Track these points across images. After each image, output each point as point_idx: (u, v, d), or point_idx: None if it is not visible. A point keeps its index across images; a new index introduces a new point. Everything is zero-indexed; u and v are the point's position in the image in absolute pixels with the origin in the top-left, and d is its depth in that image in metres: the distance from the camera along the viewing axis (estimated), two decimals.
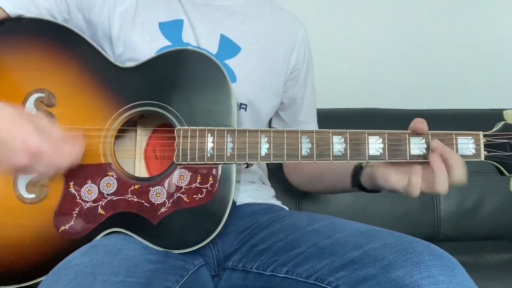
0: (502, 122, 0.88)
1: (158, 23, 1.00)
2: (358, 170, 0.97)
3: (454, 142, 0.87)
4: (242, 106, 1.02)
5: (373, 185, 0.93)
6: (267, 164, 1.21)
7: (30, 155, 0.76)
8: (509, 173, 0.87)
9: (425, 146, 0.86)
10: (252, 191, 1.07)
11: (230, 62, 1.01)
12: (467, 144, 0.87)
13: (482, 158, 0.87)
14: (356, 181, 0.97)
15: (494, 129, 0.88)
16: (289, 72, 1.11)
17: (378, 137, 0.87)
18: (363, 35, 1.78)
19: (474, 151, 0.87)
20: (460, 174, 0.82)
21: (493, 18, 1.80)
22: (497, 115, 0.90)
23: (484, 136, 0.87)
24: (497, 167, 0.88)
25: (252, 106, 1.03)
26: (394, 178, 0.86)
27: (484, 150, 0.87)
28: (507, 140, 0.87)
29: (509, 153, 0.87)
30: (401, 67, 1.80)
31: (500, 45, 1.80)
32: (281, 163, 1.24)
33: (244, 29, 1.05)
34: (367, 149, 0.87)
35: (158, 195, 0.86)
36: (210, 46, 1.01)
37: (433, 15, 1.78)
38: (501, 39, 1.80)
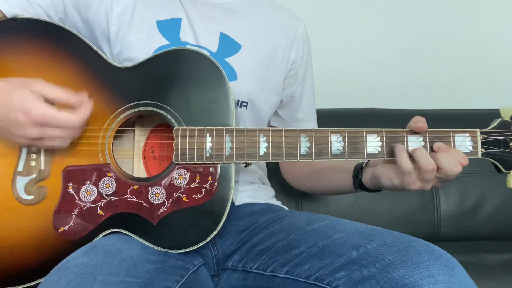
0: (499, 119, 0.89)
1: (156, 21, 1.00)
2: (358, 171, 0.97)
3: (452, 140, 0.87)
4: (243, 103, 1.02)
5: (375, 185, 0.94)
6: (266, 164, 1.21)
7: (37, 124, 0.77)
8: (506, 170, 0.88)
9: (422, 143, 0.87)
10: (251, 191, 1.07)
11: (231, 60, 1.01)
12: (465, 141, 0.87)
13: (479, 155, 0.88)
14: (358, 183, 0.97)
15: (491, 126, 0.89)
16: (288, 69, 1.11)
17: (376, 135, 0.87)
18: (363, 34, 1.78)
19: (471, 148, 0.87)
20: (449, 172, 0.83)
21: (491, 19, 1.80)
22: (495, 114, 0.90)
23: (481, 133, 0.88)
24: (494, 164, 0.88)
25: (253, 104, 1.03)
26: (394, 174, 0.87)
27: (481, 147, 0.87)
28: (504, 137, 0.87)
29: (506, 150, 0.87)
30: (400, 67, 1.80)
31: (498, 46, 1.81)
32: (279, 164, 1.24)
33: (244, 26, 1.05)
34: (365, 147, 0.87)
35: (157, 195, 0.86)
36: (210, 44, 1.01)
37: (433, 16, 1.78)
38: (499, 40, 1.81)
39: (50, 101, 0.79)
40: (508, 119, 0.88)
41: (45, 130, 0.79)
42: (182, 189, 0.86)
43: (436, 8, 1.78)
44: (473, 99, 1.74)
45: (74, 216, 0.86)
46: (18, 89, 0.78)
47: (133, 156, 0.95)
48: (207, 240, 0.85)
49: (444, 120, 1.49)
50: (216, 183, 0.86)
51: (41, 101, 0.78)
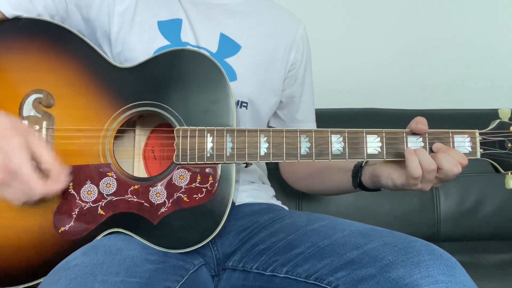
0: (498, 120, 0.90)
1: (157, 22, 1.00)
2: (358, 170, 0.97)
3: (451, 140, 0.88)
4: (243, 104, 1.02)
5: (375, 184, 0.94)
6: (266, 164, 1.21)
7: (7, 172, 0.75)
8: (504, 171, 0.89)
9: (422, 144, 0.87)
10: (251, 191, 1.07)
11: (231, 61, 1.01)
12: (464, 142, 0.88)
13: (478, 156, 0.88)
14: (358, 182, 0.98)
15: (490, 127, 0.89)
16: (288, 70, 1.11)
17: (376, 135, 0.88)
18: (363, 35, 1.78)
19: (470, 149, 0.88)
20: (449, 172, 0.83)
21: (491, 19, 1.80)
22: (494, 115, 0.91)
23: (480, 134, 0.89)
24: (492, 165, 0.89)
25: (253, 104, 1.03)
26: (396, 175, 0.87)
27: (480, 148, 0.88)
28: (502, 138, 0.88)
29: (504, 151, 0.88)
30: (400, 67, 1.80)
31: (498, 46, 1.81)
32: (279, 164, 1.24)
33: (244, 27, 1.05)
34: (365, 148, 0.87)
35: (158, 195, 0.86)
36: (210, 44, 1.01)
37: (432, 16, 1.78)
38: (499, 40, 1.81)
39: (34, 159, 0.77)
40: (506, 120, 0.89)
41: (11, 180, 0.76)
42: (183, 189, 0.86)
43: (436, 8, 1.78)
44: (473, 99, 1.74)
45: (74, 216, 0.86)
46: (17, 136, 0.76)
47: (133, 156, 0.95)
48: (208, 240, 0.85)
49: (444, 120, 1.50)
50: (216, 183, 0.86)
51: (27, 156, 0.76)
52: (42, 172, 0.78)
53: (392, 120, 1.49)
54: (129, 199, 0.86)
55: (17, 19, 0.92)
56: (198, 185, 0.86)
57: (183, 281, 0.81)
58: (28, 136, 0.78)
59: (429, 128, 0.87)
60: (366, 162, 0.97)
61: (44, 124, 0.88)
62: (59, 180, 0.80)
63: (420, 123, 0.86)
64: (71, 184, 0.86)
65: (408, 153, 0.85)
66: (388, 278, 0.74)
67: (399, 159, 0.87)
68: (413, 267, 0.73)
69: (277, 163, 1.24)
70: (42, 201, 0.81)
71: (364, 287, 0.76)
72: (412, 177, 0.84)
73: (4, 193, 0.78)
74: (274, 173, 1.26)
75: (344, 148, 0.87)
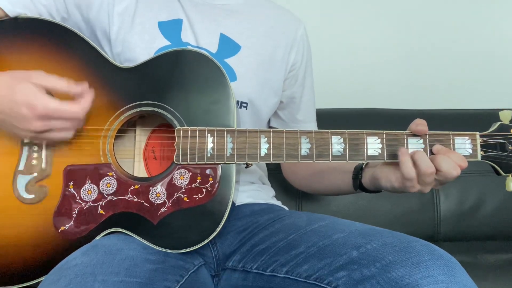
0: (498, 123, 0.89)
1: (157, 22, 1.00)
2: (358, 172, 0.97)
3: (452, 143, 0.87)
4: (243, 104, 1.02)
5: (375, 186, 0.94)
6: (267, 164, 1.21)
7: (41, 117, 0.77)
8: (505, 173, 0.89)
9: (422, 146, 0.87)
10: (251, 191, 1.07)
11: (231, 61, 1.01)
12: (464, 144, 0.88)
13: (479, 158, 0.88)
14: (358, 184, 0.98)
15: (490, 130, 0.89)
16: (288, 71, 1.11)
17: (376, 137, 0.88)
18: (362, 35, 1.78)
19: (471, 151, 0.88)
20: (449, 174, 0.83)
21: (490, 20, 1.80)
22: (494, 115, 0.91)
23: (481, 136, 0.88)
24: (493, 167, 0.89)
25: (253, 105, 1.03)
26: (394, 177, 0.87)
27: (481, 150, 0.88)
28: (503, 140, 0.88)
29: (505, 153, 0.88)
30: (401, 67, 1.80)
31: (497, 46, 1.81)
32: (280, 164, 1.24)
33: (244, 27, 1.05)
34: (365, 149, 0.87)
35: (158, 195, 0.86)
36: (210, 45, 1.01)
37: (432, 16, 1.78)
38: (498, 41, 1.81)
39: (51, 92, 0.80)
40: (507, 122, 0.89)
41: (49, 122, 0.79)
42: (183, 189, 0.86)
43: (436, 9, 1.78)
44: (473, 99, 1.73)
45: (74, 215, 0.86)
46: (20, 82, 0.79)
47: (133, 156, 0.95)
48: (208, 240, 0.85)
49: (444, 120, 1.50)
50: (217, 184, 0.86)
51: (43, 94, 0.78)
52: (66, 98, 0.80)
53: (392, 120, 1.49)
54: (129, 199, 0.86)
55: (18, 18, 0.92)
56: (198, 185, 0.86)
57: (183, 281, 0.81)
58: (30, 77, 0.79)
59: (429, 128, 0.87)
60: (367, 164, 0.97)
61: None
62: (84, 94, 0.82)
63: (420, 124, 0.86)
64: (71, 183, 0.86)
65: (402, 154, 0.84)
66: (388, 278, 0.74)
67: (398, 160, 0.87)
68: (413, 267, 0.73)
69: (277, 163, 1.24)
70: (38, 201, 0.82)
71: (364, 287, 0.76)
72: (405, 178, 0.83)
73: (55, 136, 0.81)
74: (274, 173, 1.26)
75: (344, 149, 0.87)
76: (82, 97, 0.81)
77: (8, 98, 0.78)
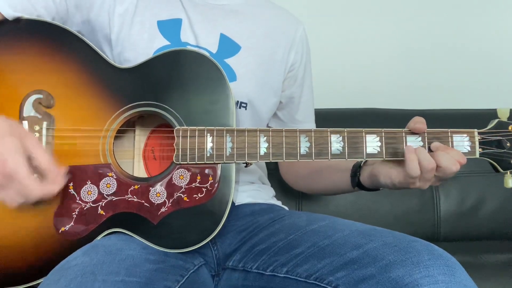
0: (496, 120, 0.90)
1: (156, 21, 1.00)
2: (356, 169, 0.98)
3: (450, 140, 0.88)
4: (242, 104, 1.02)
5: (373, 183, 0.94)
6: (266, 164, 1.21)
7: (3, 175, 0.75)
8: (503, 170, 0.89)
9: (421, 144, 0.87)
10: (251, 191, 1.07)
11: (230, 61, 1.01)
12: (462, 142, 0.88)
13: (477, 155, 0.88)
14: (356, 181, 0.98)
15: (489, 127, 0.90)
16: (287, 71, 1.11)
17: (375, 135, 0.88)
18: (362, 35, 1.78)
19: (469, 148, 0.88)
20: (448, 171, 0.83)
21: (490, 20, 1.80)
22: (493, 114, 0.91)
23: (479, 133, 0.89)
24: (491, 164, 0.90)
25: (252, 105, 1.04)
26: (394, 173, 0.87)
27: (479, 147, 0.88)
28: (500, 137, 0.88)
29: (503, 150, 0.88)
30: (400, 67, 1.80)
31: (497, 46, 1.81)
32: (278, 164, 1.24)
33: (244, 28, 1.06)
34: (364, 147, 0.87)
35: (158, 195, 0.86)
36: (210, 45, 1.01)
37: (432, 16, 1.78)
38: (498, 41, 1.81)
39: (31, 161, 0.77)
40: (505, 119, 0.89)
41: (7, 183, 0.76)
42: (183, 189, 0.86)
43: (436, 9, 1.78)
44: (472, 99, 1.74)
45: (74, 216, 0.86)
46: (11, 136, 0.76)
47: (133, 156, 0.95)
48: (208, 240, 0.85)
49: (444, 120, 1.49)
50: (216, 183, 0.86)
51: (24, 158, 0.76)
52: (39, 174, 0.78)
53: (392, 120, 1.49)
54: (129, 199, 0.86)
55: (17, 20, 0.92)
56: (198, 185, 0.86)
57: (183, 281, 0.81)
58: (24, 137, 0.77)
59: (428, 127, 0.87)
60: (365, 161, 0.97)
61: (44, 124, 0.88)
62: (55, 182, 0.79)
63: (418, 122, 0.87)
64: (71, 184, 0.86)
65: (408, 152, 0.85)
66: (388, 278, 0.74)
67: (398, 158, 0.87)
68: (413, 267, 0.73)
69: (277, 163, 1.24)
70: (40, 202, 0.80)
71: (364, 287, 0.76)
72: (410, 176, 0.84)
73: (1, 195, 0.77)
74: (274, 173, 1.26)
75: (343, 147, 0.87)
76: (50, 183, 0.78)
77: None
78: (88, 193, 0.87)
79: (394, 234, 0.82)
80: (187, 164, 0.87)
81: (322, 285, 0.81)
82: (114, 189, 0.86)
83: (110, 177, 0.87)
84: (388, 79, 1.79)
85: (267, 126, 1.18)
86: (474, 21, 1.79)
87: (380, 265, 0.76)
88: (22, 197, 0.77)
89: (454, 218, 1.46)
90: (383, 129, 0.88)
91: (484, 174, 1.45)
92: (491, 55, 1.80)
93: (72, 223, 0.86)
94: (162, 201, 0.86)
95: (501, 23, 1.81)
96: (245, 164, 0.91)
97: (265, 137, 0.87)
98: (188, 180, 0.86)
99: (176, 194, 0.86)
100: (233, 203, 0.98)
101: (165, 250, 0.84)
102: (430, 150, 0.87)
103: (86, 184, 0.87)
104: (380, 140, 0.88)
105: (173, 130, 0.87)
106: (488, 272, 1.25)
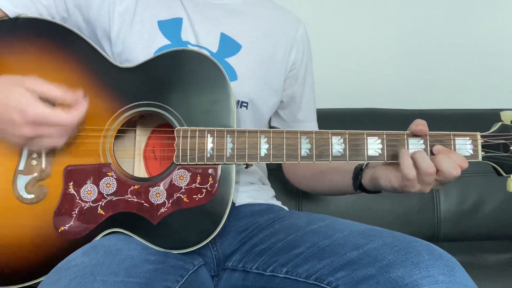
0: (499, 123, 0.89)
1: (157, 21, 1.00)
2: (358, 172, 0.97)
3: (452, 143, 0.87)
4: (243, 104, 1.02)
5: (374, 186, 0.94)
6: (267, 164, 1.21)
7: (32, 123, 0.76)
8: (506, 174, 0.88)
9: (423, 146, 0.87)
10: (251, 191, 1.07)
11: (231, 60, 1.01)
12: (465, 145, 0.88)
13: (480, 159, 0.88)
14: (358, 184, 0.98)
15: (492, 130, 0.89)
16: (288, 70, 1.11)
17: (377, 137, 0.87)
18: (363, 35, 1.78)
19: (472, 151, 0.88)
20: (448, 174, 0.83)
21: (491, 19, 1.80)
22: (495, 115, 0.91)
23: (482, 137, 0.88)
24: (494, 168, 0.89)
25: (253, 104, 1.03)
26: (393, 177, 0.87)
27: (482, 150, 0.88)
28: (504, 141, 0.88)
29: (506, 154, 0.87)
30: (400, 67, 1.80)
31: (498, 46, 1.81)
32: (281, 163, 1.24)
33: (244, 27, 1.06)
34: (366, 150, 0.87)
35: (157, 195, 0.86)
36: (210, 44, 1.01)
37: (432, 16, 1.78)
38: (499, 40, 1.81)
39: (45, 99, 0.79)
40: (508, 123, 0.89)
41: (40, 129, 0.78)
42: (183, 190, 0.86)
43: (436, 9, 1.78)
44: (473, 99, 1.74)
45: (74, 215, 0.86)
46: (13, 87, 0.78)
47: (133, 156, 0.95)
48: (208, 241, 0.85)
49: (444, 120, 1.50)
50: (216, 184, 0.86)
51: (36, 100, 0.77)
52: (59, 104, 0.79)
53: (392, 120, 1.49)
54: (129, 199, 0.86)
55: (18, 18, 0.92)
56: (198, 185, 0.86)
57: (182, 281, 0.81)
58: (24, 82, 0.78)
59: (430, 128, 0.87)
60: (367, 164, 0.96)
61: None
62: (79, 102, 0.81)
63: (420, 124, 0.86)
64: (71, 183, 0.86)
65: (402, 155, 0.84)
66: (388, 278, 0.74)
67: (399, 161, 0.87)
68: (413, 267, 0.73)
69: (278, 164, 1.24)
70: (38, 201, 0.82)
71: (364, 287, 0.76)
72: (406, 178, 0.83)
73: (45, 143, 0.80)
74: (274, 174, 1.26)
75: (344, 149, 0.87)
76: (75, 106, 0.80)
77: (1, 102, 0.78)
78: (88, 192, 0.86)
79: (394, 234, 0.82)
80: (187, 164, 0.87)
81: (322, 285, 0.81)
82: (114, 189, 0.86)
83: (110, 177, 0.87)
84: (388, 79, 1.79)
85: (269, 125, 1.18)
86: (475, 20, 1.79)
87: (380, 265, 0.76)
88: (62, 131, 0.79)
89: (454, 218, 1.46)
90: (384, 132, 0.87)
91: (484, 174, 1.45)
92: (491, 54, 1.80)
93: (71, 223, 0.86)
94: (162, 201, 0.86)
95: (502, 23, 1.80)
96: (245, 165, 0.91)
97: (266, 138, 0.87)
98: (188, 180, 0.86)
99: (176, 195, 0.86)
100: (233, 203, 0.98)
101: (165, 251, 0.84)
102: (432, 153, 0.86)
103: (86, 183, 0.87)
104: (382, 143, 0.87)
105: (173, 130, 0.87)
106: (488, 272, 1.25)
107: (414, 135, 0.87)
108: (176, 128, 0.87)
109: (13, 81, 0.79)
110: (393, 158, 0.87)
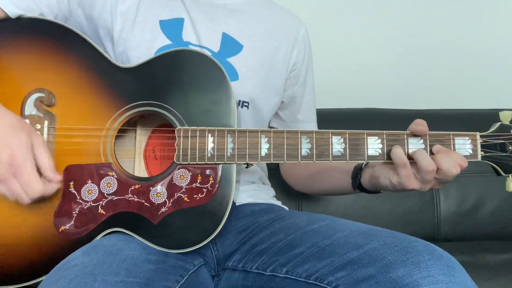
0: (498, 123, 0.90)
1: (158, 21, 1.00)
2: (357, 172, 0.98)
3: (452, 143, 0.88)
4: (244, 104, 1.02)
5: (374, 186, 0.94)
6: (267, 164, 1.21)
7: (11, 166, 0.77)
8: (505, 173, 0.89)
9: (423, 146, 0.87)
10: (252, 191, 1.07)
11: (232, 60, 1.01)
12: (465, 145, 0.88)
13: (479, 159, 0.88)
14: (357, 184, 0.98)
15: (491, 130, 0.89)
16: (289, 70, 1.11)
17: (377, 137, 0.88)
18: (363, 35, 1.78)
19: (471, 151, 0.88)
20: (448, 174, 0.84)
21: (491, 19, 1.80)
22: (494, 115, 0.91)
23: (481, 136, 0.89)
24: (493, 168, 0.89)
25: (254, 104, 1.04)
26: (395, 177, 0.87)
27: (481, 150, 0.88)
28: (503, 141, 0.88)
29: (505, 154, 0.88)
30: (400, 67, 1.80)
31: (498, 46, 1.81)
32: (279, 165, 1.24)
33: (246, 27, 1.06)
34: (366, 150, 0.87)
35: (158, 195, 0.86)
36: (212, 44, 1.01)
37: (432, 16, 1.78)
38: (499, 40, 1.81)
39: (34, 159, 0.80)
40: (507, 123, 0.89)
41: (10, 175, 0.78)
42: (183, 189, 0.86)
43: (436, 9, 1.78)
44: (473, 99, 1.74)
45: (75, 215, 0.86)
46: (23, 131, 0.80)
47: (134, 156, 0.95)
48: (208, 241, 0.85)
49: (444, 120, 1.50)
50: (217, 184, 0.86)
51: (32, 154, 0.79)
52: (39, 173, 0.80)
53: (392, 120, 1.49)
54: (129, 199, 0.86)
55: (19, 18, 0.92)
56: (198, 185, 0.86)
57: (183, 281, 0.81)
58: (32, 135, 0.81)
59: (429, 128, 0.87)
60: (366, 164, 0.97)
61: (46, 123, 0.88)
62: (53, 183, 0.82)
63: (420, 124, 0.86)
64: (71, 183, 0.86)
65: (393, 148, 0.85)
66: (388, 278, 0.74)
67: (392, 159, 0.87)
68: (413, 267, 0.73)
69: (277, 164, 1.24)
70: (37, 201, 0.82)
71: (364, 287, 0.76)
72: (398, 165, 0.85)
73: (3, 188, 0.80)
74: (274, 173, 1.26)
75: (344, 149, 0.87)
76: (47, 184, 0.81)
77: (2, 133, 0.78)
78: (89, 192, 0.87)
79: (394, 234, 0.82)
80: (188, 164, 0.87)
81: (322, 285, 0.81)
82: (115, 189, 0.86)
83: (111, 177, 0.87)
84: (388, 79, 1.79)
85: (269, 126, 1.18)
86: (474, 20, 1.79)
87: (380, 265, 0.76)
88: (23, 192, 0.79)
89: (454, 218, 1.46)
90: (384, 131, 0.88)
91: (484, 175, 1.45)
92: (491, 55, 1.80)
93: (72, 222, 0.86)
94: (163, 201, 0.86)
95: (502, 23, 1.81)
96: (246, 165, 0.91)
97: (266, 138, 0.87)
98: (188, 180, 0.86)
99: (177, 194, 0.86)
100: (233, 203, 0.98)
101: (165, 250, 0.84)
102: (431, 153, 0.87)
103: (87, 183, 0.87)
104: (382, 142, 0.88)
105: (174, 130, 0.87)
106: (488, 272, 1.25)
107: (414, 135, 0.88)
108: (176, 128, 0.87)
109: (25, 127, 0.81)
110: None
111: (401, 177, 0.85)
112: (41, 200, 0.85)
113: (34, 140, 0.80)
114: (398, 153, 0.84)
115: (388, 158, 0.87)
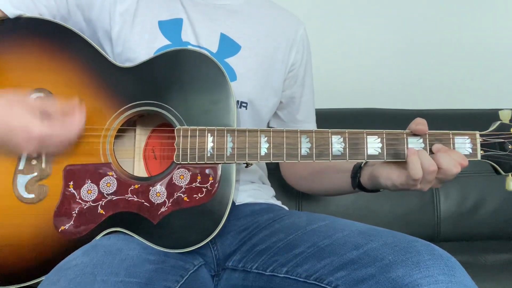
0: (498, 122, 0.90)
1: (157, 21, 1.00)
2: (357, 171, 0.98)
3: (451, 142, 0.88)
4: (243, 104, 1.02)
5: (373, 184, 0.94)
6: (267, 164, 1.21)
7: (35, 141, 0.79)
8: (505, 172, 0.89)
9: (422, 145, 0.87)
10: (252, 191, 1.07)
11: (231, 61, 1.01)
12: (464, 144, 0.88)
13: (479, 158, 0.88)
14: (356, 182, 0.98)
15: (490, 129, 0.90)
16: (288, 71, 1.11)
17: (376, 136, 0.88)
18: (362, 35, 1.78)
19: (471, 150, 0.88)
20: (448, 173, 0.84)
21: (491, 19, 1.80)
22: (494, 115, 0.91)
23: (481, 135, 0.89)
24: (493, 166, 0.89)
25: (253, 105, 1.04)
26: (395, 175, 0.87)
27: (481, 149, 0.88)
28: (502, 140, 0.88)
29: (504, 153, 0.88)
30: (400, 67, 1.80)
31: (498, 46, 1.81)
32: (279, 164, 1.24)
33: (244, 28, 1.06)
34: (365, 149, 0.87)
35: (158, 194, 0.86)
36: (210, 44, 1.01)
37: (432, 16, 1.78)
38: (499, 40, 1.81)
39: (46, 114, 0.81)
40: (507, 122, 0.89)
41: (44, 146, 0.81)
42: (183, 189, 0.86)
43: (436, 9, 1.78)
44: (472, 99, 1.74)
45: (74, 215, 0.86)
46: (16, 107, 0.80)
47: (134, 156, 0.95)
48: (208, 240, 0.85)
49: (444, 120, 1.49)
50: (217, 183, 0.86)
51: (38, 118, 0.79)
52: (58, 117, 0.82)
53: (392, 120, 1.49)
54: (129, 199, 0.86)
55: (18, 18, 0.92)
56: (198, 185, 0.86)
57: (183, 281, 0.81)
58: (28, 101, 0.82)
59: (429, 128, 0.87)
60: (366, 163, 0.97)
61: None
62: (77, 113, 0.83)
63: (420, 124, 0.87)
64: (71, 183, 0.86)
65: (411, 153, 0.85)
66: (388, 278, 0.74)
67: (399, 160, 0.87)
68: (413, 267, 0.73)
69: (277, 163, 1.24)
70: (38, 201, 0.83)
71: (364, 287, 0.76)
72: (413, 178, 0.84)
73: (48, 151, 0.84)
74: (274, 173, 1.26)
75: (344, 148, 0.87)
76: (73, 116, 0.83)
77: (5, 121, 0.79)
78: (88, 192, 0.86)
79: (394, 234, 0.82)
80: (188, 164, 0.87)
81: (322, 285, 0.81)
82: (114, 189, 0.86)
83: (110, 176, 0.87)
84: (388, 79, 1.79)
85: (268, 126, 1.18)
86: (474, 20, 1.79)
87: (380, 265, 0.76)
88: (64, 143, 0.83)
89: (454, 218, 1.46)
90: (384, 131, 0.88)
91: (484, 174, 1.45)
92: (491, 55, 1.80)
93: (72, 222, 0.86)
94: (162, 200, 0.86)
95: (502, 23, 1.81)
96: (245, 165, 0.91)
97: (266, 138, 0.87)
98: (188, 180, 0.86)
99: (176, 194, 0.86)
100: (233, 202, 0.98)
101: (165, 250, 0.84)
102: (431, 152, 0.87)
103: (86, 183, 0.87)
104: (381, 142, 0.88)
105: (173, 130, 0.87)
106: (488, 272, 1.25)
107: (414, 134, 0.88)
108: (176, 128, 0.87)
109: (14, 99, 0.81)
110: (394, 157, 0.87)
111: (408, 185, 0.86)
112: (41, 200, 0.85)
113: (32, 103, 0.81)
114: (416, 171, 0.83)
115: (388, 157, 0.87)
